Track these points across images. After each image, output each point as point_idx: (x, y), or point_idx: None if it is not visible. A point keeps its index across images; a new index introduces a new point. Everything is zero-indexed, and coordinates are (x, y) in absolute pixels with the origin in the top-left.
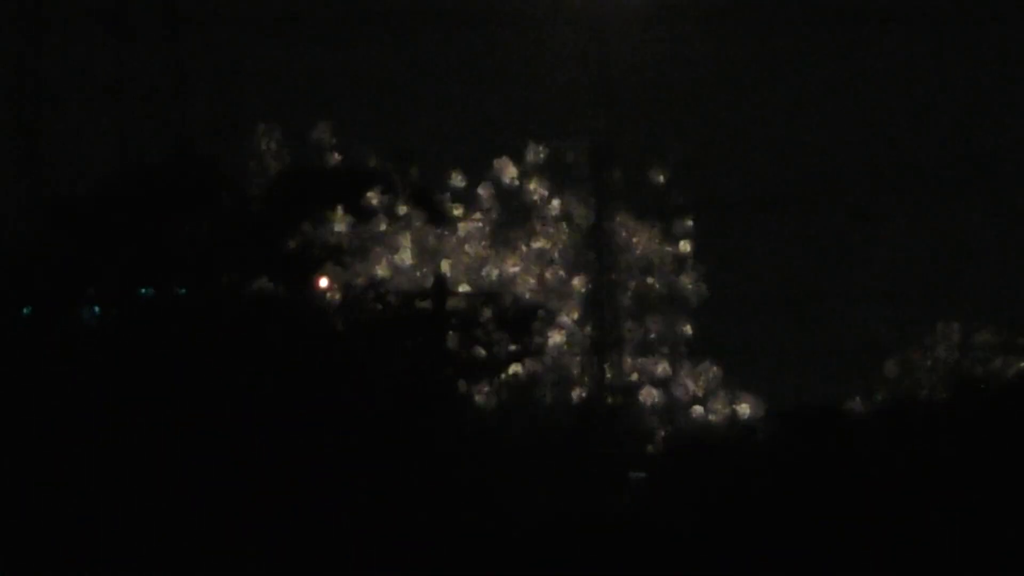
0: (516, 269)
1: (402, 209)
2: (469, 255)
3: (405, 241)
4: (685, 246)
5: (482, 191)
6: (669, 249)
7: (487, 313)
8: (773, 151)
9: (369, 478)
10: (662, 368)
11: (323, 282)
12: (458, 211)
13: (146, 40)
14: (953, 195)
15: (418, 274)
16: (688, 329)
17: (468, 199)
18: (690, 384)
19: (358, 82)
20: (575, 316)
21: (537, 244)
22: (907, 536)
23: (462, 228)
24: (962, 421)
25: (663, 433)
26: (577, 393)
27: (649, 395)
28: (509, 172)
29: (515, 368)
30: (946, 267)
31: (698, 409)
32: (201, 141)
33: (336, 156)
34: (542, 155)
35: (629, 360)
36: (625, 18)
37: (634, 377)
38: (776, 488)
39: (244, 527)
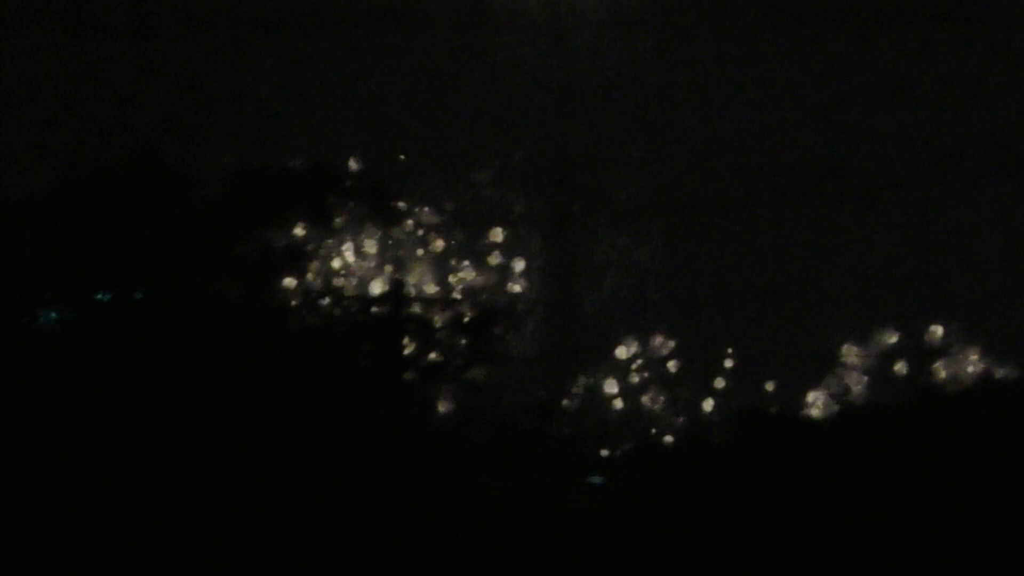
0: (476, 274)
1: (360, 213)
2: (428, 260)
3: (363, 245)
4: (650, 249)
5: (443, 195)
6: (633, 252)
7: (445, 318)
8: (738, 153)
9: (327, 483)
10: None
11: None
12: (419, 216)
13: (106, 40)
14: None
15: (376, 279)
16: (656, 336)
17: (428, 203)
18: (653, 388)
19: (319, 85)
20: (536, 321)
21: (497, 249)
22: (871, 541)
23: (421, 233)
24: (925, 424)
25: (623, 437)
26: (537, 397)
27: (611, 398)
28: (470, 177)
29: (474, 373)
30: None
31: (661, 411)
32: (161, 143)
33: (296, 159)
34: (503, 160)
35: (591, 365)
36: (586, 24)
37: (595, 381)
38: (736, 491)
39: (202, 531)
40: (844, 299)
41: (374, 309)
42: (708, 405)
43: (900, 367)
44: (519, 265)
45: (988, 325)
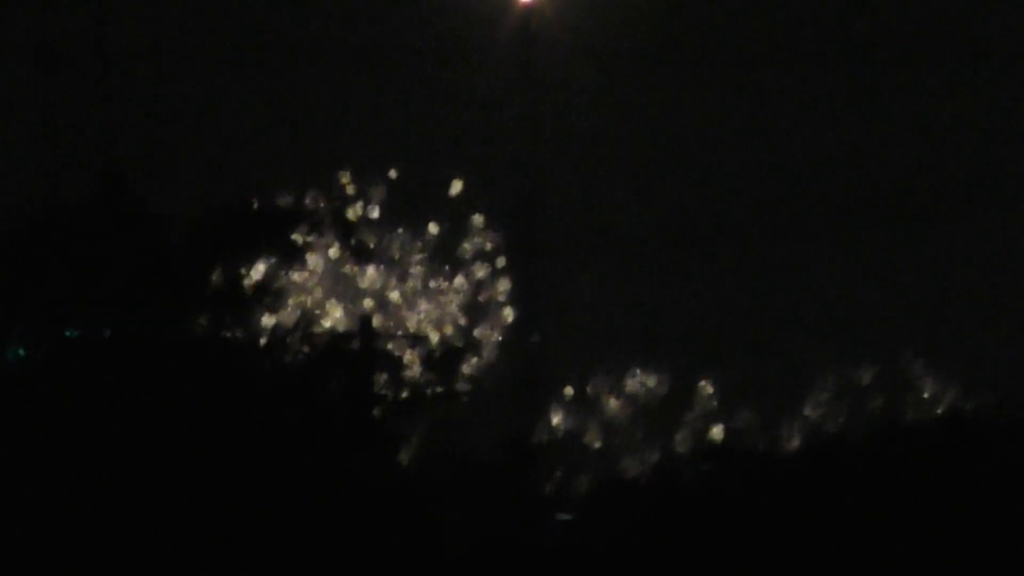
0: (444, 310)
1: (330, 249)
2: (397, 296)
3: (332, 281)
4: (620, 283)
5: (412, 231)
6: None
7: (414, 354)
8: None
9: (295, 519)
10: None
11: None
12: (389, 252)
13: (74, 74)
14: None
15: (346, 315)
16: (627, 370)
17: (398, 239)
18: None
19: (290, 121)
20: (502, 356)
21: (465, 284)
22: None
23: (391, 268)
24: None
25: (591, 474)
26: (504, 434)
27: (580, 434)
28: (440, 212)
29: (442, 409)
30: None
31: (631, 446)
32: (129, 178)
33: (265, 194)
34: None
35: (558, 401)
36: (556, 59)
37: (561, 419)
38: (704, 527)
39: (170, 567)
40: (817, 333)
41: (343, 345)
42: (679, 439)
43: (873, 401)
44: (489, 300)
45: (959, 360)
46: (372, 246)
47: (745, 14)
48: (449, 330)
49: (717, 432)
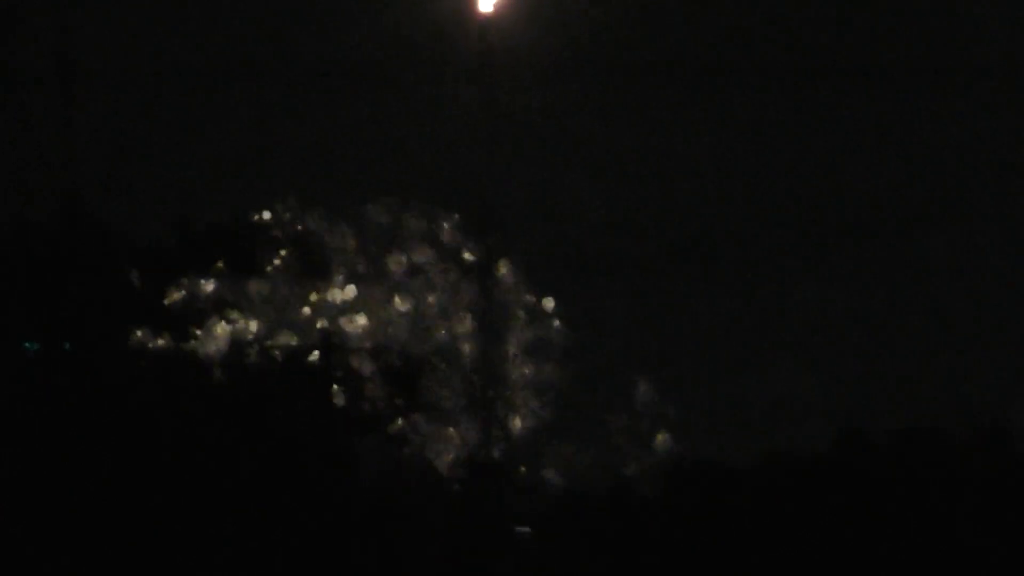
0: (402, 324)
1: (287, 263)
2: (356, 310)
3: (291, 296)
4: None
5: (370, 245)
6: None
7: (373, 367)
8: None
9: (255, 534)
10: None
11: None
12: (347, 266)
13: (33, 96)
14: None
15: (304, 329)
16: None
17: (356, 253)
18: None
19: (244, 138)
20: (461, 371)
21: (425, 298)
22: None
23: (348, 283)
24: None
25: (549, 488)
26: (463, 448)
27: (539, 448)
28: (397, 225)
29: (401, 422)
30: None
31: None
32: (88, 197)
33: (222, 212)
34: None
35: (515, 414)
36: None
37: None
38: (661, 543)
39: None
40: (774, 352)
41: (302, 359)
42: (635, 455)
43: (824, 416)
44: (447, 314)
45: (911, 379)
46: (331, 258)
47: (712, 26)
48: (408, 344)
49: (663, 441)
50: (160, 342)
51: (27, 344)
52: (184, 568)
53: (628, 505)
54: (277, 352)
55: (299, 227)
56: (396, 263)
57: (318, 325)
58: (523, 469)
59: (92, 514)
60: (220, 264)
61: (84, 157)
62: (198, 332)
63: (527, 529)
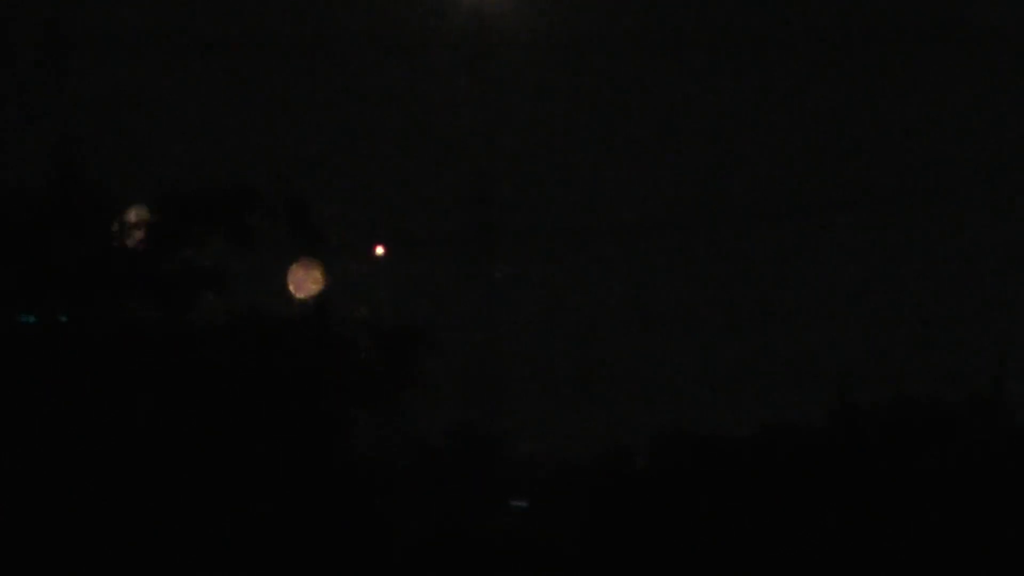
0: (397, 295)
1: (282, 234)
2: (350, 280)
3: (285, 266)
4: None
5: (365, 216)
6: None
7: (368, 339)
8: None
9: (246, 504)
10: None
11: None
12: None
13: (27, 62)
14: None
15: (298, 299)
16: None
17: (350, 224)
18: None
19: (241, 108)
20: (459, 341)
21: (420, 270)
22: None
23: (343, 254)
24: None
25: (545, 460)
26: (459, 420)
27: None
28: (392, 197)
29: (395, 395)
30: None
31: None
32: (81, 164)
33: (217, 180)
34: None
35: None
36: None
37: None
38: (658, 515)
39: (119, 552)
40: (768, 321)
41: (296, 329)
42: (630, 425)
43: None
44: (442, 285)
45: (904, 349)
46: (325, 229)
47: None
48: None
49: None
50: (156, 313)
51: (23, 317)
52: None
53: (622, 477)
54: (271, 322)
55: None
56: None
57: (311, 295)
58: (517, 441)
59: (87, 484)
60: (216, 234)
61: (78, 124)
62: (193, 301)
63: (523, 504)
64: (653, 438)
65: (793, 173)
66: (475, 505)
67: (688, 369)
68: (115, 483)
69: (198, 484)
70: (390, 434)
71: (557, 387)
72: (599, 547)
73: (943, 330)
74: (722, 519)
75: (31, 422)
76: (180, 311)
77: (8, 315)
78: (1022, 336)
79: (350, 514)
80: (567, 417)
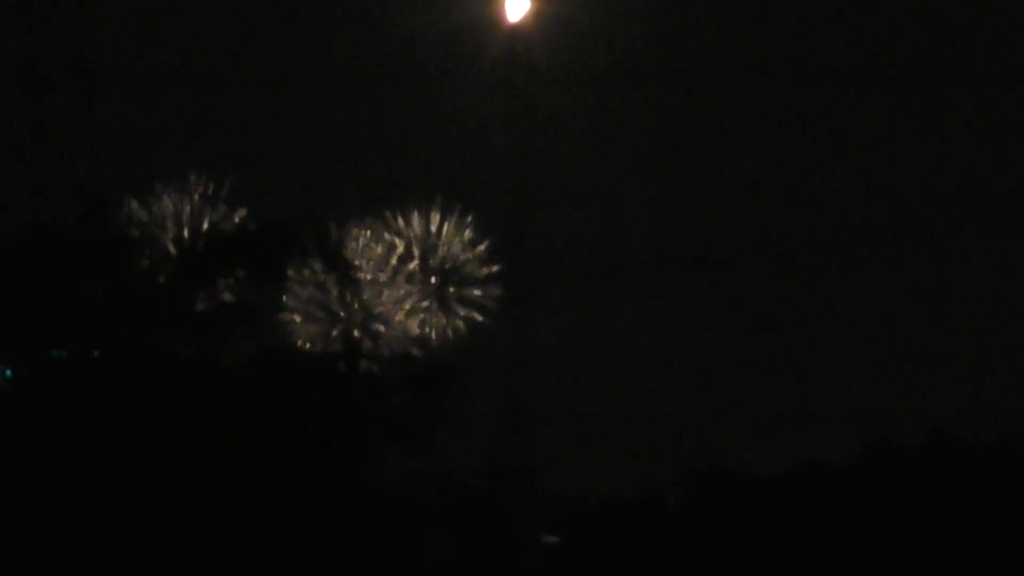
0: (430, 331)
1: (315, 271)
2: (382, 317)
3: (316, 302)
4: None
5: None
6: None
7: (400, 375)
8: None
9: (278, 538)
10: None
11: None
12: (372, 274)
13: (59, 98)
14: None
15: (329, 335)
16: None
17: (382, 261)
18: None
19: (269, 143)
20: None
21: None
22: None
23: (375, 290)
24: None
25: (579, 495)
26: (490, 456)
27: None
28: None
29: (427, 430)
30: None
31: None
32: (113, 201)
33: (246, 216)
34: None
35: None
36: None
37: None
38: (686, 550)
39: None
40: (799, 360)
41: (327, 365)
42: (663, 463)
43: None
44: (473, 322)
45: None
46: (356, 265)
47: (738, 36)
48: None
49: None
50: (188, 349)
51: (55, 353)
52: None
53: (655, 513)
54: (302, 358)
55: (325, 232)
56: (424, 270)
57: (342, 331)
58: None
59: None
60: (247, 270)
61: (109, 161)
62: (224, 337)
63: (555, 539)
64: (684, 474)
65: (831, 213)
66: (507, 540)
67: (720, 405)
68: (149, 516)
69: (229, 518)
70: (422, 470)
71: (589, 423)
72: None
73: (978, 370)
74: (752, 558)
75: (64, 455)
76: (212, 347)
77: (41, 350)
78: None
79: (382, 549)
80: (599, 452)
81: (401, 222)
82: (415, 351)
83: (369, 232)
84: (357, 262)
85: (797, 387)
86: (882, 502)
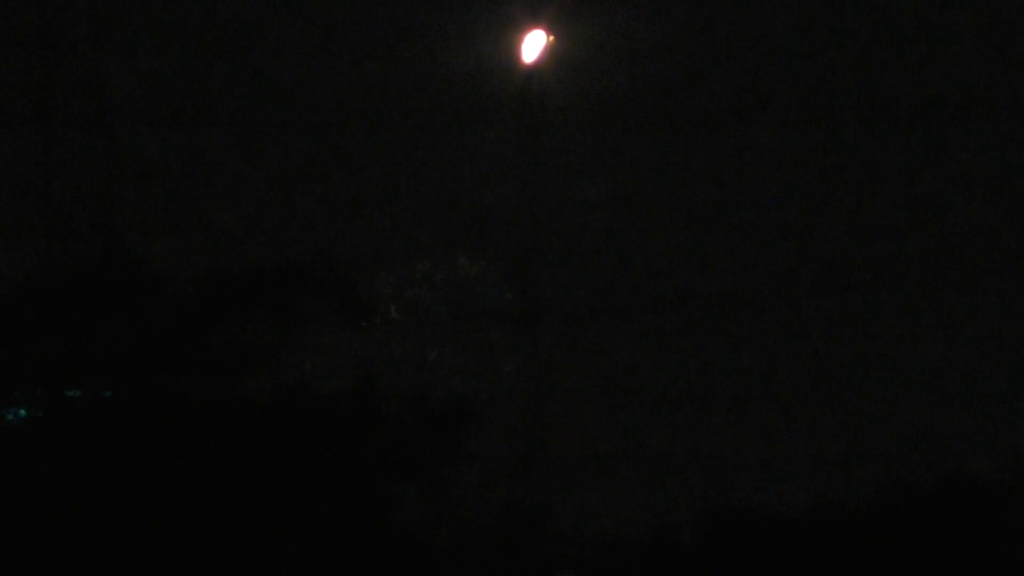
0: (445, 372)
1: (329, 309)
2: (397, 357)
3: (332, 342)
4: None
5: (412, 292)
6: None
7: (414, 415)
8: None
9: None
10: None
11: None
12: (388, 313)
13: (75, 136)
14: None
15: (345, 375)
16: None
17: (397, 300)
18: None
19: (287, 182)
20: (505, 419)
21: (465, 346)
22: None
23: (390, 330)
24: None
25: (594, 535)
26: (504, 494)
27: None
28: (439, 273)
29: (442, 472)
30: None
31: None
32: (128, 239)
33: (264, 256)
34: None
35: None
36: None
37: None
38: None
39: None
40: (813, 398)
41: (343, 407)
42: (678, 503)
43: (870, 464)
44: (488, 362)
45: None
46: (372, 304)
47: (757, 75)
48: (450, 392)
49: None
50: (202, 389)
51: (68, 392)
52: None
53: (672, 553)
54: (318, 399)
55: (342, 273)
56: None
57: (358, 371)
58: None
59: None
60: (263, 310)
61: (126, 199)
62: (239, 379)
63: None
64: (701, 514)
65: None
66: None
67: (734, 444)
68: (161, 556)
69: (241, 559)
70: (435, 510)
71: (602, 460)
72: None
73: (996, 407)
74: None
75: (76, 496)
76: (226, 387)
77: (53, 389)
78: None
79: None
80: (612, 491)
81: (419, 264)
82: (432, 391)
83: (387, 273)
84: (374, 303)
85: (814, 427)
86: (901, 544)
